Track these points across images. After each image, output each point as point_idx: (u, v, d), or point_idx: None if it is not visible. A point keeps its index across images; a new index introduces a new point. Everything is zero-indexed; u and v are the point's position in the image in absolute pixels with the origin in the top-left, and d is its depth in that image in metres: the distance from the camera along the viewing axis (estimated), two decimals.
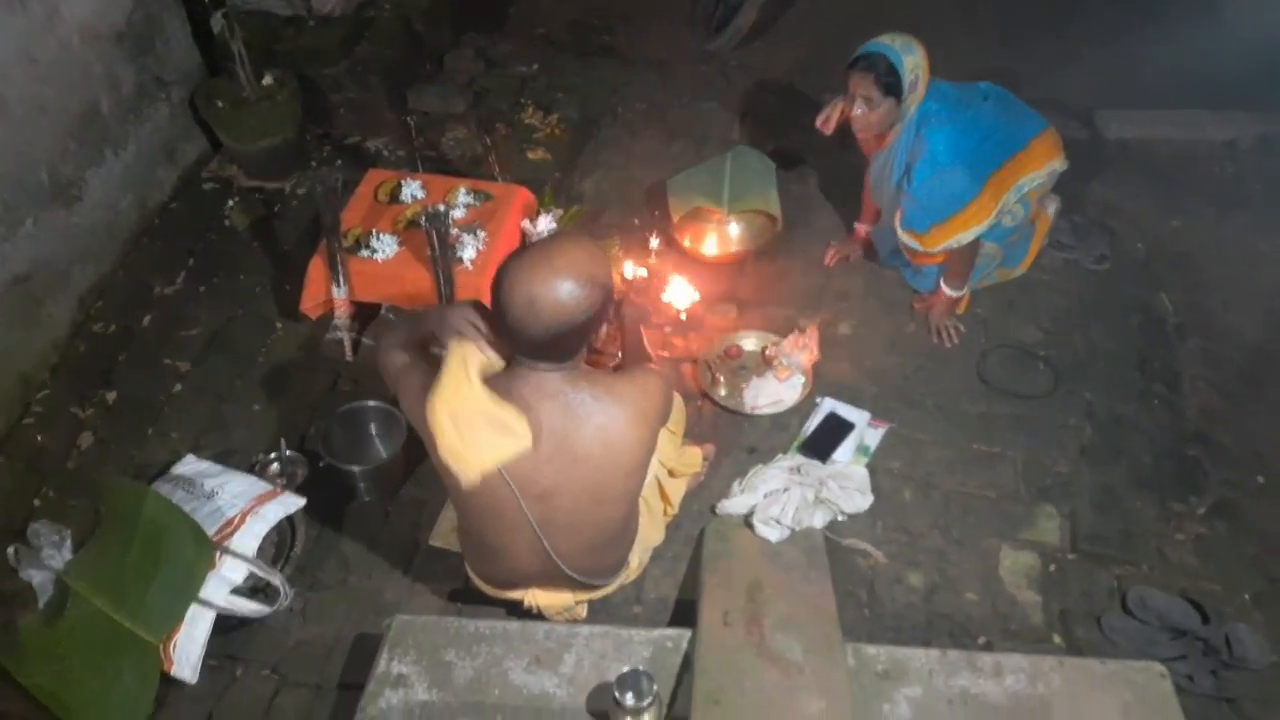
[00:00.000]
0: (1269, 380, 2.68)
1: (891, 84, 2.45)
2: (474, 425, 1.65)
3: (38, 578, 2.15)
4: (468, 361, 1.66)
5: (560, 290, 1.52)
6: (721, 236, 2.97)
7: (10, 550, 2.17)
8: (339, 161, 3.42)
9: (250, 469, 2.39)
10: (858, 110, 2.52)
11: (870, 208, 2.94)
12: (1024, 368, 2.69)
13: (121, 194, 2.93)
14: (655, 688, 1.63)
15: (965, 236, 2.60)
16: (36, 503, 2.38)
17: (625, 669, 1.65)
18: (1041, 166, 2.61)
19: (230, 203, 3.22)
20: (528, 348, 1.60)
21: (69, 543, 2.18)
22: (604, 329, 1.68)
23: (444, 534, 2.25)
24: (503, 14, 4.53)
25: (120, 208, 2.93)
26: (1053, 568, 2.25)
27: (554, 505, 1.75)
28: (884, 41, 2.49)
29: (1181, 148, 3.61)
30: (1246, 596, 2.19)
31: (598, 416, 1.68)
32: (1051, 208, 2.89)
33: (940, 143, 2.51)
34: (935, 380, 2.67)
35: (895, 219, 2.68)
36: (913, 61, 2.47)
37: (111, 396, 2.64)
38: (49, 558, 2.14)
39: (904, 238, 2.68)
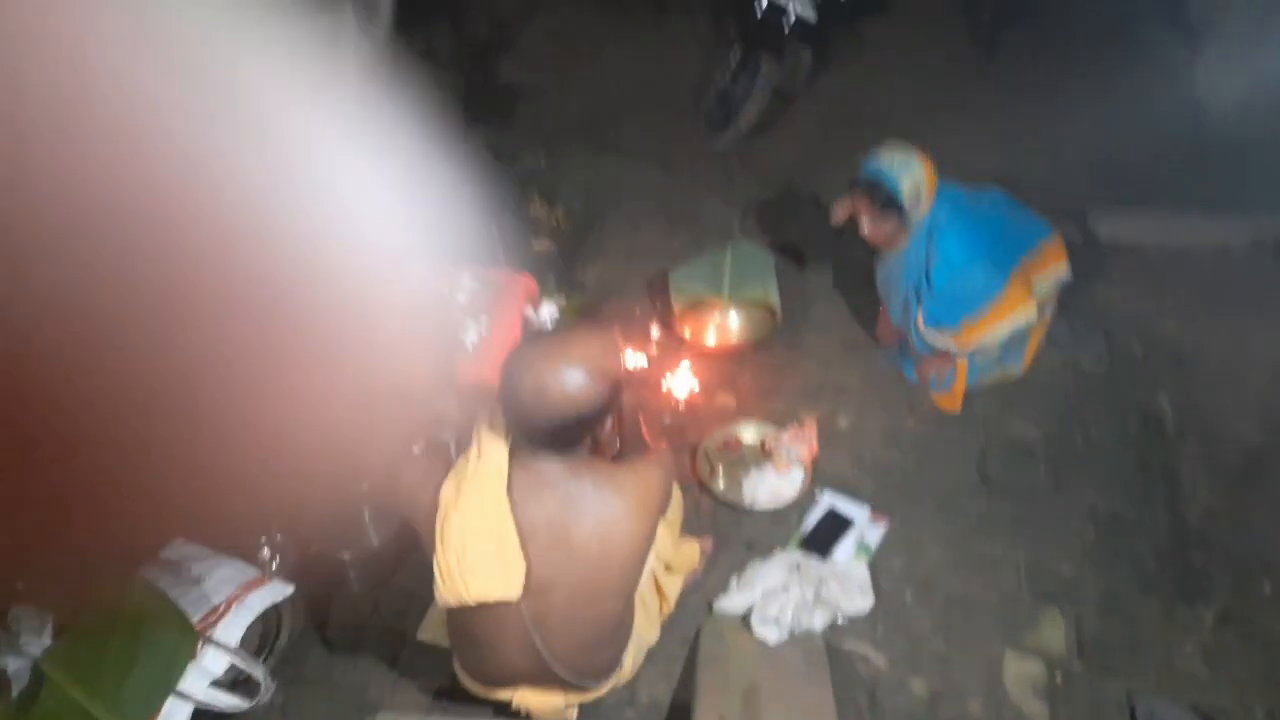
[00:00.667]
0: (1268, 483, 2.66)
1: (892, 203, 2.50)
2: (478, 550, 1.64)
3: (14, 665, 2.07)
4: (500, 465, 1.65)
5: (571, 381, 1.52)
6: (721, 328, 3.00)
7: None
8: None
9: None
10: (864, 229, 2.57)
11: None
12: (1024, 467, 2.68)
13: None
14: None
15: (1003, 326, 2.59)
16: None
17: None
18: (1049, 269, 2.66)
19: None
20: (532, 436, 1.60)
21: (50, 628, 2.11)
22: (609, 421, 1.67)
23: (433, 627, 2.19)
24: (510, 110, 4.68)
25: None
26: (1059, 677, 2.18)
27: (548, 600, 1.71)
28: (882, 160, 2.53)
29: (1175, 250, 3.68)
30: (1260, 712, 2.12)
31: (598, 508, 1.66)
32: (1048, 309, 2.92)
33: (954, 245, 2.54)
34: (935, 477, 2.64)
35: (917, 321, 2.70)
36: (912, 181, 2.50)
37: None
38: (27, 644, 2.07)
39: (933, 339, 2.68)
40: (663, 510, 1.80)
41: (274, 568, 2.32)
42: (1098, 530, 2.50)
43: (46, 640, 2.10)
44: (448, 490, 1.67)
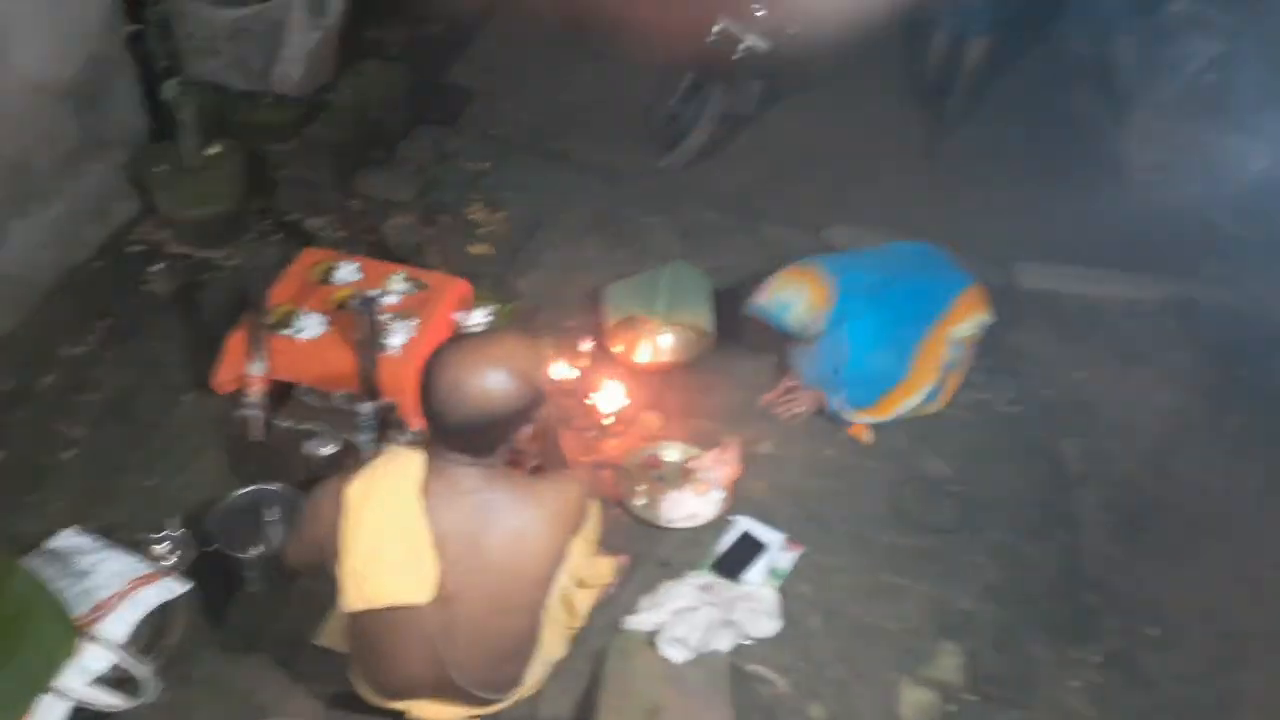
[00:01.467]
0: (1161, 531, 2.78)
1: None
2: (388, 551, 1.61)
3: None
4: (414, 467, 1.63)
5: (487, 379, 1.52)
6: (653, 346, 3.01)
7: None
8: (276, 237, 3.39)
9: (134, 547, 2.26)
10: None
11: None
12: (934, 502, 2.75)
13: (41, 248, 2.85)
14: None
15: (914, 400, 2.75)
16: None
17: None
18: (966, 319, 2.76)
19: (155, 267, 3.15)
20: (446, 435, 1.59)
21: None
22: (528, 430, 1.67)
23: (332, 633, 2.13)
24: (460, 110, 4.64)
25: (38, 263, 2.85)
26: (952, 708, 2.24)
27: (455, 610, 1.69)
28: (766, 300, 2.74)
29: (1088, 302, 3.83)
30: None
31: (512, 519, 1.65)
32: (968, 353, 3.01)
33: (860, 337, 2.69)
34: (848, 506, 2.70)
35: (838, 402, 2.80)
36: (798, 312, 2.71)
37: None
38: None
39: (854, 417, 2.80)
40: (578, 527, 1.80)
41: (168, 565, 2.25)
42: (998, 568, 2.58)
43: None
44: (355, 491, 1.64)
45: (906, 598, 2.47)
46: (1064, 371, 3.38)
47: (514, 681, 1.94)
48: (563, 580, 2.07)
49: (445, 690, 1.83)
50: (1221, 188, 4.32)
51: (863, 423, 2.80)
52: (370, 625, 1.75)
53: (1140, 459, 3.05)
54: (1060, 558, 2.64)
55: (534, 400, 1.60)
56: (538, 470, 2.14)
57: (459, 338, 1.61)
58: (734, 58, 4.31)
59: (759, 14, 4.27)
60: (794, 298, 2.72)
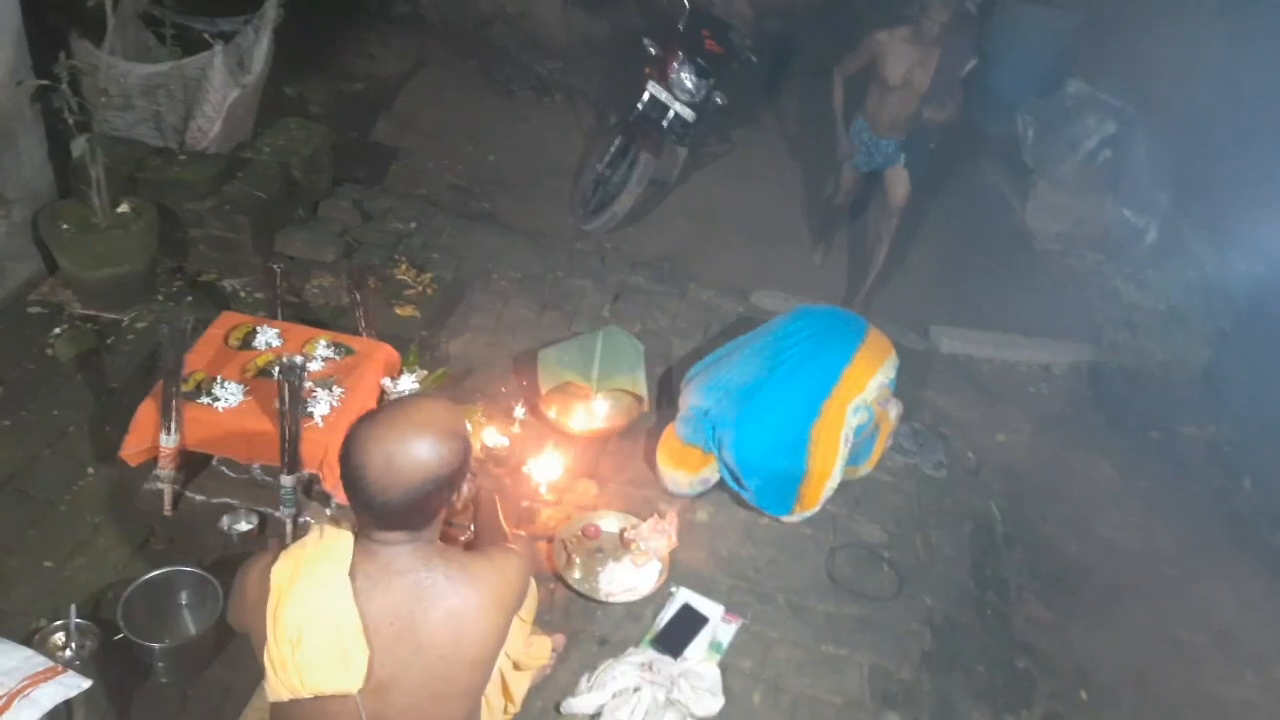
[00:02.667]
0: (1084, 593, 2.86)
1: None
2: (316, 637, 1.51)
3: None
4: (343, 547, 1.53)
5: (419, 447, 1.44)
6: (588, 412, 2.97)
7: None
8: (189, 298, 3.24)
9: (29, 638, 2.06)
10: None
11: None
12: (870, 568, 2.76)
13: None
14: None
15: (833, 483, 2.75)
16: None
17: None
18: (867, 384, 2.79)
19: (57, 330, 2.96)
20: (382, 516, 1.49)
21: None
22: (464, 490, 1.59)
23: None
24: (384, 170, 4.58)
25: None
26: None
27: (389, 699, 1.59)
28: (676, 489, 2.83)
29: (1003, 366, 3.99)
30: None
31: (449, 599, 1.56)
32: (894, 411, 3.07)
33: (744, 452, 2.72)
34: (786, 574, 2.68)
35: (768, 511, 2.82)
36: (692, 484, 2.81)
37: None
38: None
39: (786, 521, 2.81)
40: (519, 605, 1.72)
41: (67, 655, 2.06)
42: (934, 634, 2.59)
43: None
44: (281, 572, 1.53)
45: (847, 668, 2.45)
46: (983, 434, 3.49)
47: None
48: (500, 662, 1.99)
49: None
50: (1120, 257, 4.60)
51: (795, 520, 2.81)
52: (295, 716, 1.63)
53: (1061, 522, 3.14)
54: (992, 623, 2.68)
55: (465, 458, 1.53)
56: (472, 545, 2.06)
57: (376, 410, 1.53)
58: (662, 125, 4.41)
59: (688, 84, 4.39)
60: (681, 478, 2.80)
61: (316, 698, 1.56)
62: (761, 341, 2.98)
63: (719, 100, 4.54)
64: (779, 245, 4.77)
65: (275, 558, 1.57)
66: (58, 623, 2.12)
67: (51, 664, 1.90)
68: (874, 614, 2.62)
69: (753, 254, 4.62)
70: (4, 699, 1.79)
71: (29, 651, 1.94)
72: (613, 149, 4.55)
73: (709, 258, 4.50)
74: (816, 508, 2.76)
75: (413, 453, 1.44)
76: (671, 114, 4.43)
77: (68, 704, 1.91)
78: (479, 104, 5.45)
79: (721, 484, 2.82)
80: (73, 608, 2.13)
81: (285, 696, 1.55)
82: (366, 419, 1.50)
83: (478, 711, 1.84)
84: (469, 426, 1.60)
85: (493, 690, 1.98)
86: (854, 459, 2.98)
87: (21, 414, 2.68)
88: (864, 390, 2.78)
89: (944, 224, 5.10)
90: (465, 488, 1.59)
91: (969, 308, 4.36)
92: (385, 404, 1.55)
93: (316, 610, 1.53)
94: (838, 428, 2.72)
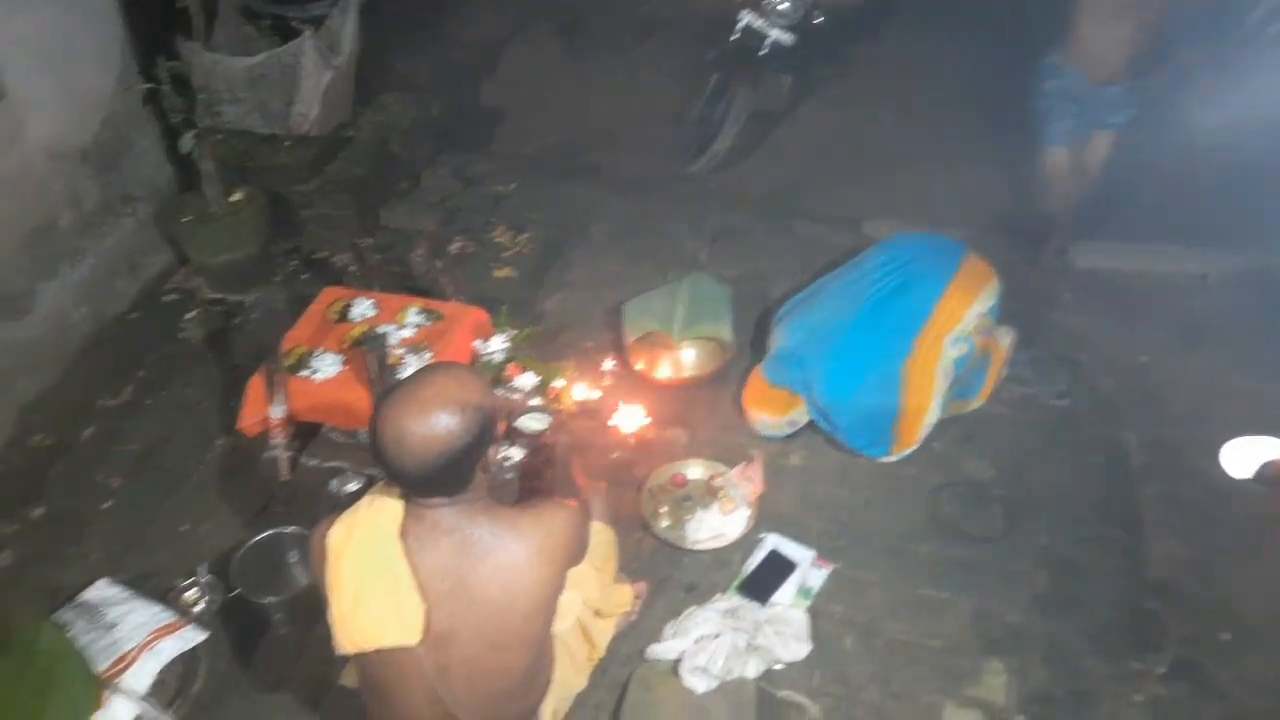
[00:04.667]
0: (1232, 527, 2.57)
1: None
2: (371, 595, 1.59)
3: None
4: (393, 510, 1.61)
5: (427, 423, 1.48)
6: (674, 361, 2.94)
7: None
8: (304, 276, 3.45)
9: (165, 594, 2.30)
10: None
11: None
12: (977, 507, 2.60)
13: (75, 306, 2.95)
14: None
15: (931, 419, 2.61)
16: None
17: None
18: (964, 315, 2.59)
19: (189, 315, 3.23)
20: (410, 486, 1.56)
21: None
22: (493, 453, 1.62)
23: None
24: (488, 134, 4.66)
25: (72, 320, 2.95)
26: None
27: (450, 651, 1.66)
28: (764, 430, 2.76)
29: (1153, 280, 3.59)
30: None
31: (496, 555, 1.61)
32: (1006, 340, 2.85)
33: (833, 393, 2.60)
34: (884, 516, 2.57)
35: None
36: (780, 425, 2.72)
37: (38, 512, 2.58)
38: None
39: (883, 461, 2.69)
40: (571, 558, 1.74)
41: (198, 610, 2.28)
42: (1050, 576, 2.42)
43: None
44: (336, 536, 1.63)
45: (948, 613, 2.33)
46: (1126, 357, 3.17)
47: (525, 718, 1.89)
48: (579, 610, 2.03)
49: None
50: None
51: (893, 460, 2.68)
52: (370, 667, 1.74)
53: (1211, 450, 2.80)
54: (1119, 561, 2.47)
55: (485, 425, 1.55)
56: (541, 496, 2.09)
57: (393, 388, 1.56)
58: (760, 54, 4.22)
59: (782, 7, 4.16)
60: (768, 420, 2.72)
61: (379, 651, 1.65)
62: (851, 276, 2.83)
63: (820, 19, 4.28)
64: (896, 171, 4.46)
65: (331, 523, 1.66)
66: (189, 580, 2.35)
67: (174, 618, 2.12)
68: (980, 555, 2.47)
69: (869, 182, 4.36)
70: (134, 651, 2.01)
71: (157, 607, 2.17)
72: (711, 86, 4.42)
73: (819, 190, 4.29)
74: (915, 445, 2.63)
75: (420, 430, 1.48)
76: (769, 41, 4.22)
77: (195, 652, 2.13)
78: (581, 58, 5.41)
79: (814, 426, 2.73)
80: (201, 567, 2.36)
81: (351, 650, 1.65)
82: (383, 398, 1.55)
83: (545, 660, 1.90)
84: (486, 389, 1.61)
85: (574, 638, 2.03)
86: (962, 392, 2.80)
87: (161, 393, 2.97)
88: (961, 321, 2.59)
89: None
90: (492, 453, 1.61)
91: (1115, 220, 3.93)
92: (404, 381, 1.58)
93: (370, 570, 1.61)
94: (933, 362, 2.56)
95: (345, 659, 2.14)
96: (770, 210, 3.96)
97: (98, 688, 1.92)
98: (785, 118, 4.71)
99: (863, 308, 2.67)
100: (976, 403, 2.85)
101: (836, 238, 3.74)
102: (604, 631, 2.15)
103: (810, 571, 2.41)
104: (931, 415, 2.59)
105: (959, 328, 2.59)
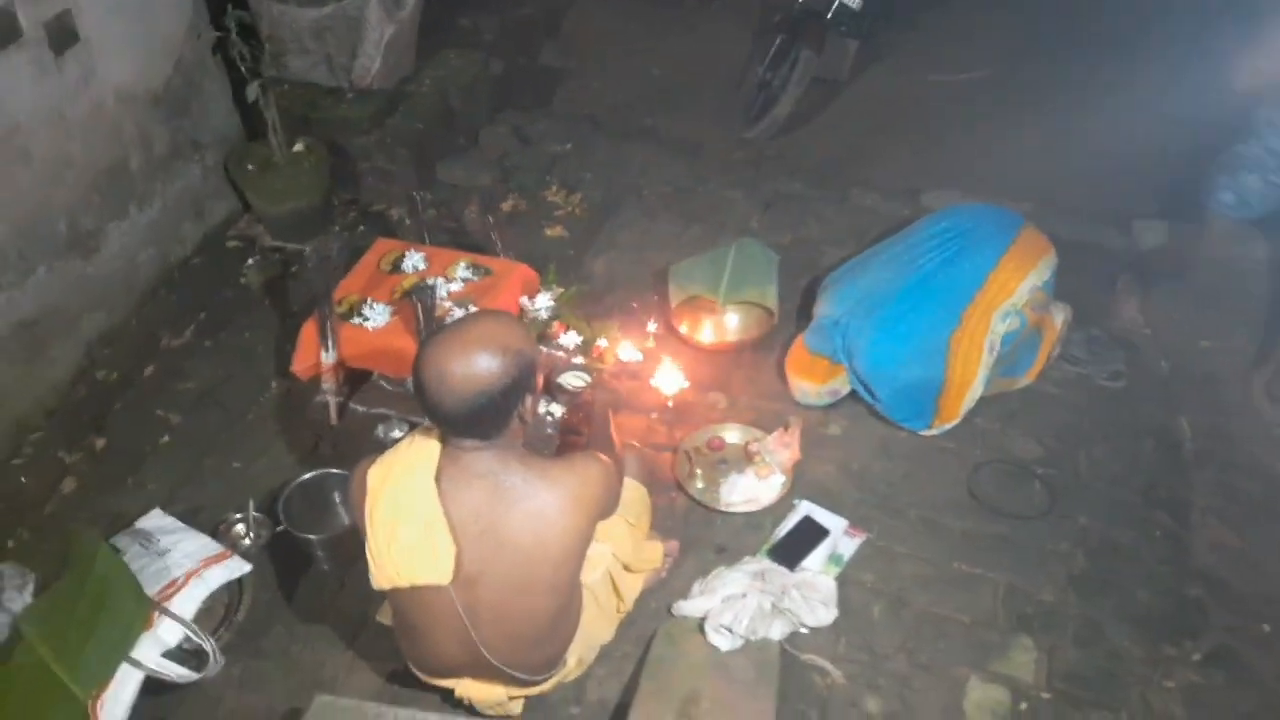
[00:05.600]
0: None
1: None
2: (406, 533, 1.64)
3: None
4: (430, 452, 1.66)
5: (469, 363, 1.52)
6: (718, 325, 2.94)
7: None
8: (361, 228, 3.52)
9: (215, 528, 2.41)
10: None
11: None
12: (1018, 485, 2.56)
13: (142, 248, 3.06)
14: None
15: (974, 394, 2.56)
16: (10, 544, 2.44)
17: None
18: (1016, 288, 2.53)
19: (249, 261, 3.33)
20: (447, 424, 1.60)
21: (31, 587, 2.21)
22: (532, 404, 1.65)
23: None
24: (548, 94, 4.66)
25: (138, 260, 3.06)
26: (1024, 706, 2.09)
27: (478, 593, 1.72)
28: (805, 399, 2.75)
29: (1221, 262, 3.44)
30: None
31: (528, 501, 1.65)
32: (1059, 317, 2.78)
33: (875, 363, 2.56)
34: (922, 490, 2.55)
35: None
36: (821, 395, 2.72)
37: (100, 443, 2.71)
38: (9, 600, 2.17)
39: (926, 435, 2.66)
40: (602, 510, 1.78)
41: (246, 543, 2.38)
42: (1087, 557, 2.37)
43: (28, 598, 2.20)
44: (375, 474, 1.69)
45: (980, 587, 2.32)
46: (1186, 340, 3.07)
47: (551, 663, 1.94)
48: (609, 563, 2.07)
49: (483, 670, 1.86)
50: None
51: (935, 434, 2.64)
52: (404, 604, 1.80)
53: (1269, 439, 2.73)
54: (1162, 547, 2.41)
55: (525, 372, 1.58)
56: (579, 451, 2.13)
57: (439, 329, 1.60)
58: (826, 17, 4.13)
59: None
60: (808, 388, 2.71)
61: (413, 587, 1.71)
62: (902, 245, 2.78)
63: None
64: (958, 141, 4.35)
65: (372, 462, 1.72)
66: (238, 515, 2.45)
67: (222, 549, 2.22)
68: (1018, 533, 2.43)
69: (928, 152, 4.26)
70: (184, 576, 2.11)
71: (206, 539, 2.27)
72: (774, 49, 4.34)
73: (879, 159, 4.20)
74: (957, 419, 2.59)
75: (462, 369, 1.52)
76: (835, 4, 4.13)
77: (240, 583, 2.22)
78: (644, 18, 5.36)
79: (855, 396, 2.71)
80: (251, 503, 2.46)
81: (385, 586, 1.72)
82: (433, 337, 1.59)
83: (571, 608, 1.94)
84: (529, 339, 1.64)
85: (603, 590, 2.07)
86: (1011, 369, 2.75)
87: (220, 335, 3.08)
88: (1013, 295, 2.54)
89: (1154, 103, 4.34)
90: (530, 402, 1.65)
91: (1182, 199, 3.78)
92: (453, 322, 1.62)
93: (406, 509, 1.67)
94: (981, 335, 2.51)
95: (382, 596, 2.23)
96: (827, 178, 3.90)
97: (148, 608, 2.02)
98: (850, 84, 4.62)
99: (911, 277, 2.63)
100: (1024, 381, 2.80)
101: (893, 208, 3.67)
102: (633, 586, 2.19)
103: (842, 539, 2.41)
104: (975, 390, 2.55)
105: (1010, 301, 2.53)
